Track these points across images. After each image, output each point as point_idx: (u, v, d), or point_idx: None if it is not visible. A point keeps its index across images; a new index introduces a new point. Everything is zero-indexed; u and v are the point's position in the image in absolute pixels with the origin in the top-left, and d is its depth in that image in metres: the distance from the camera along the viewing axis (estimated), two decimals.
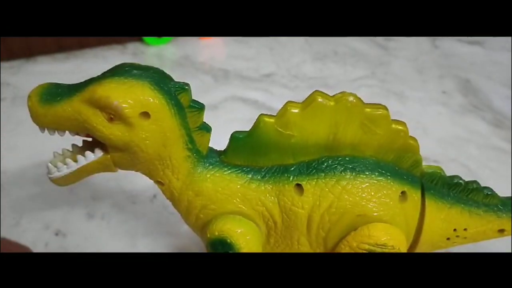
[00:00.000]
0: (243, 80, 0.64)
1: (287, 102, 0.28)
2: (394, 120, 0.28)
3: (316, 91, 0.28)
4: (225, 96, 0.60)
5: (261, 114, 0.28)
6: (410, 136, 0.28)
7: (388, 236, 0.28)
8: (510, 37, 0.77)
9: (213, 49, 0.71)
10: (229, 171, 0.29)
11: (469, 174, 0.48)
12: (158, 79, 0.27)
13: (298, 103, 0.28)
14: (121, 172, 0.30)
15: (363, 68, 0.68)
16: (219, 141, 0.32)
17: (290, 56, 0.71)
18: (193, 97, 0.29)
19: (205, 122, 0.29)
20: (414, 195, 0.29)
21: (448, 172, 0.31)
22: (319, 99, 0.27)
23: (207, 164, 0.29)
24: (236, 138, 0.29)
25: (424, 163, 0.31)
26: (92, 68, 0.64)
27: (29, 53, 0.66)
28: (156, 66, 0.29)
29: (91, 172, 0.29)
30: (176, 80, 0.29)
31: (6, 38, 0.63)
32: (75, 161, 0.28)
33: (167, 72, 0.29)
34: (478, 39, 0.77)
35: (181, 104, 0.27)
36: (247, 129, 0.29)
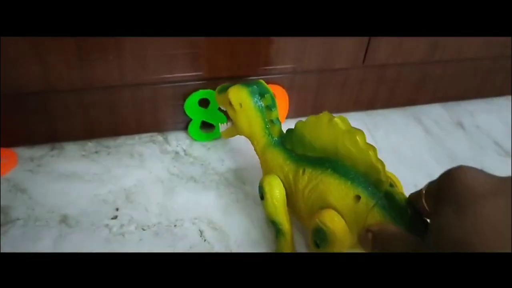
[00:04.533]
0: None
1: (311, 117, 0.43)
2: (368, 144, 0.38)
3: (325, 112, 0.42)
4: None
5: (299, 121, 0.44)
6: (379, 160, 0.37)
7: (330, 220, 0.39)
8: None
9: None
10: (281, 151, 0.46)
11: None
12: (256, 92, 0.47)
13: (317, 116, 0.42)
14: None
15: None
16: None
17: None
18: None
19: (277, 119, 0.48)
20: (366, 201, 0.37)
21: None
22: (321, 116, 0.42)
23: (273, 144, 0.47)
24: (286, 133, 0.47)
25: None
26: (122, 173, 0.54)
27: (53, 140, 0.57)
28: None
29: (233, 133, 0.52)
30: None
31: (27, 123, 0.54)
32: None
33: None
34: None
35: (263, 105, 0.47)
36: None
